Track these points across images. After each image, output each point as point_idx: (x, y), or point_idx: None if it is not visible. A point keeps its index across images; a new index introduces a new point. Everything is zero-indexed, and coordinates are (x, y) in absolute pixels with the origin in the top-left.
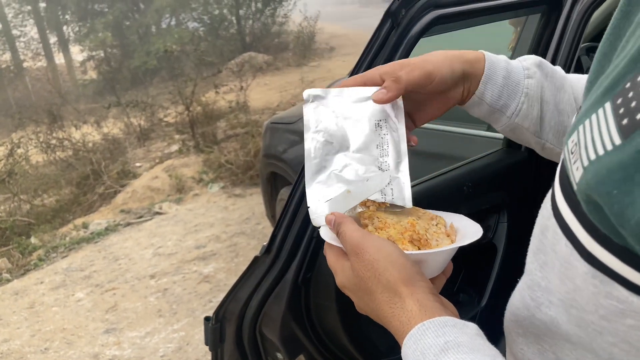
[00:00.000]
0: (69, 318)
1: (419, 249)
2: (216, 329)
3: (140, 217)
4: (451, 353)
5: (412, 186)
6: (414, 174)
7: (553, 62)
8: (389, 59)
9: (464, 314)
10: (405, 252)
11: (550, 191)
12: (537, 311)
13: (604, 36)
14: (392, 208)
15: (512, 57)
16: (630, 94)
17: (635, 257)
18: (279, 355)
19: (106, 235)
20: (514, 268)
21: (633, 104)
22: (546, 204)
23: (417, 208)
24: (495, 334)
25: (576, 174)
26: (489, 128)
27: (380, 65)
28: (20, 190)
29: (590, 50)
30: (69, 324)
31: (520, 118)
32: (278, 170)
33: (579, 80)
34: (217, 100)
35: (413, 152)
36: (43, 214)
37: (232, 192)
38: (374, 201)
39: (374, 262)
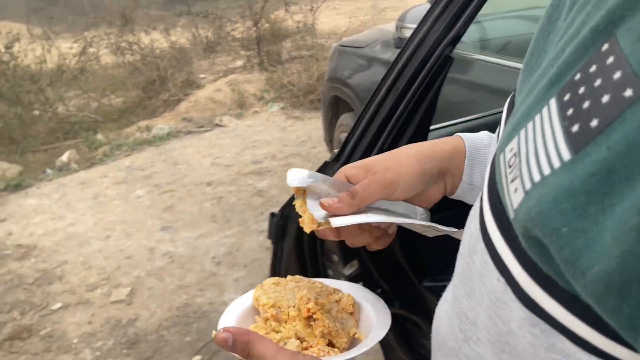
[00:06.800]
0: (128, 212)
1: (331, 342)
2: (280, 225)
3: (201, 126)
4: None
5: (450, 125)
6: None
7: None
8: None
9: None
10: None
11: (477, 204)
12: (464, 345)
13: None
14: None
15: None
16: (582, 90)
17: (586, 309)
18: (334, 257)
19: (167, 140)
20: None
21: (586, 104)
22: (474, 220)
23: (311, 280)
24: None
25: (514, 198)
26: None
27: (349, 166)
28: (90, 88)
29: None
30: (128, 217)
31: None
32: (342, 95)
33: None
34: (285, 19)
35: (477, 86)
36: (110, 113)
37: (291, 113)
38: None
39: None
